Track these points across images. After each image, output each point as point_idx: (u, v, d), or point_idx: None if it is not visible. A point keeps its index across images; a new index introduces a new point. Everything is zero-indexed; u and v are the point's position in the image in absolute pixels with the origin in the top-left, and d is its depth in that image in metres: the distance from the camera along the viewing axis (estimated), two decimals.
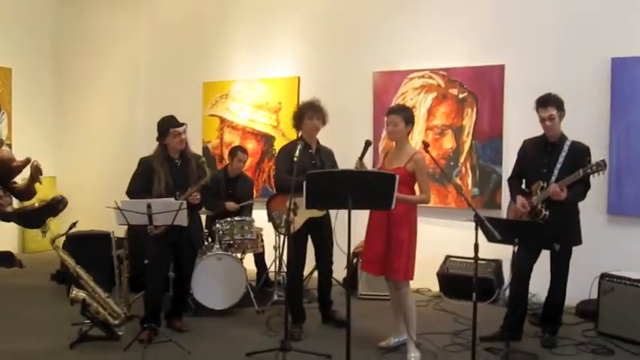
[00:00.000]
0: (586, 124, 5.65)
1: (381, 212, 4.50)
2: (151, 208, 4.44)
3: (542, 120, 4.86)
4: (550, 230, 4.52)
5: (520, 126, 6.35)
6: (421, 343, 4.80)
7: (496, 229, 4.25)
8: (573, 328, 5.36)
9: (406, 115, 4.68)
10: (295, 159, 4.73)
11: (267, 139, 7.84)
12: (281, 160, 5.24)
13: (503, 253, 6.35)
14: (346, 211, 3.91)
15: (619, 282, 5.11)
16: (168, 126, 5.06)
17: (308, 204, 4.10)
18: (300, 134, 5.36)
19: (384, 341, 4.91)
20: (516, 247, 4.58)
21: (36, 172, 3.95)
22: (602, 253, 5.64)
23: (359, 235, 6.66)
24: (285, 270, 5.46)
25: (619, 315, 5.06)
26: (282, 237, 5.36)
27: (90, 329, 4.92)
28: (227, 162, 6.88)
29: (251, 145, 7.76)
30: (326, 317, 5.53)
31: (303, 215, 4.95)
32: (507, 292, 6.07)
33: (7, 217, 4.99)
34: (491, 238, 4.52)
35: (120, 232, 6.05)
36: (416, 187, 4.73)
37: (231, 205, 6.44)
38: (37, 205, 3.88)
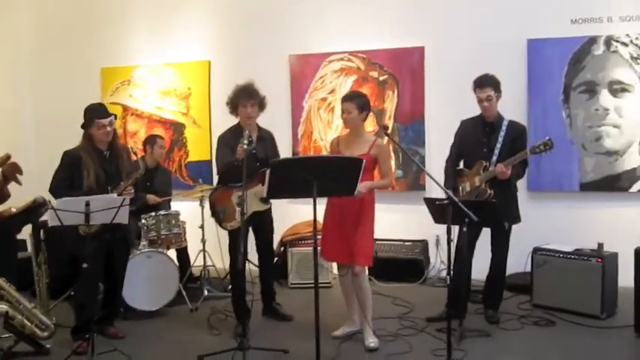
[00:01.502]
0: (505, 105, 5.78)
1: (341, 199, 4.37)
2: (90, 206, 3.99)
3: (480, 100, 4.93)
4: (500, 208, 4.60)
5: (442, 107, 6.47)
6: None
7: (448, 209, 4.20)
8: (507, 302, 5.49)
9: (359, 102, 4.57)
10: (245, 146, 4.43)
11: (176, 127, 7.41)
12: (220, 150, 4.96)
13: (427, 233, 6.55)
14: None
15: (551, 255, 5.33)
16: (91, 116, 4.58)
17: (270, 193, 3.89)
18: (238, 121, 5.07)
19: (337, 330, 4.79)
20: (462, 228, 4.59)
21: (11, 171, 3.37)
22: (524, 228, 5.84)
23: (287, 223, 6.59)
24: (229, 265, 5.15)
25: (552, 287, 5.28)
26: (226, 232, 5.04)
27: (15, 344, 4.39)
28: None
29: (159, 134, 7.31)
30: (268, 310, 5.33)
31: (248, 209, 4.71)
32: (444, 273, 6.21)
33: None
34: (439, 220, 4.53)
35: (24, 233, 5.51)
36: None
37: (152, 198, 6.03)
38: (14, 210, 3.29)
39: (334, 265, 5.58)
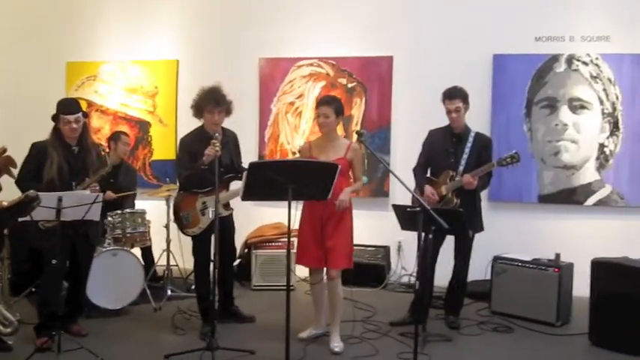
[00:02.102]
0: (469, 117, 5.95)
1: (319, 203, 4.41)
2: (62, 201, 3.95)
3: (449, 112, 5.07)
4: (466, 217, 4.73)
5: (408, 116, 6.62)
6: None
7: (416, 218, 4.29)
8: (466, 308, 5.59)
9: (336, 106, 4.63)
10: (217, 150, 4.43)
11: (142, 125, 7.36)
12: (183, 154, 4.92)
13: (390, 239, 6.67)
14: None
15: (510, 264, 5.49)
16: (58, 111, 4.54)
17: (245, 195, 3.93)
18: (202, 123, 5.00)
19: (303, 332, 4.83)
20: (428, 235, 4.70)
21: (5, 164, 3.29)
22: (484, 236, 6.00)
23: (251, 226, 6.62)
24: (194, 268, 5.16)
25: (510, 295, 5.44)
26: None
27: None
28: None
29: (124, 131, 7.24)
30: (227, 312, 5.29)
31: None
32: (405, 279, 6.38)
33: None
34: (406, 227, 4.66)
35: None
36: None
37: (109, 195, 5.85)
38: (5, 204, 3.20)
39: (297, 267, 5.62)
